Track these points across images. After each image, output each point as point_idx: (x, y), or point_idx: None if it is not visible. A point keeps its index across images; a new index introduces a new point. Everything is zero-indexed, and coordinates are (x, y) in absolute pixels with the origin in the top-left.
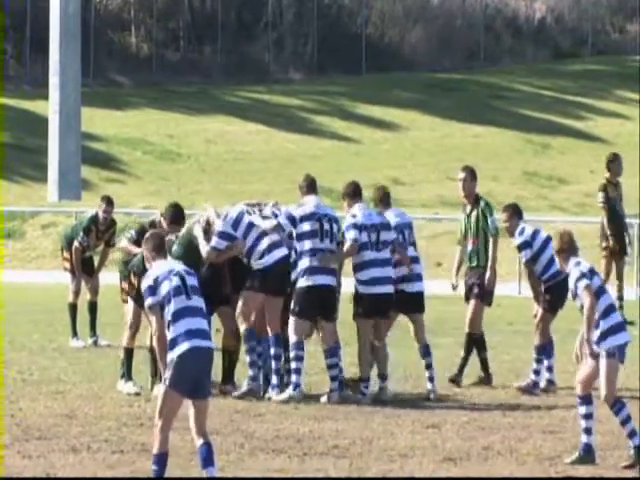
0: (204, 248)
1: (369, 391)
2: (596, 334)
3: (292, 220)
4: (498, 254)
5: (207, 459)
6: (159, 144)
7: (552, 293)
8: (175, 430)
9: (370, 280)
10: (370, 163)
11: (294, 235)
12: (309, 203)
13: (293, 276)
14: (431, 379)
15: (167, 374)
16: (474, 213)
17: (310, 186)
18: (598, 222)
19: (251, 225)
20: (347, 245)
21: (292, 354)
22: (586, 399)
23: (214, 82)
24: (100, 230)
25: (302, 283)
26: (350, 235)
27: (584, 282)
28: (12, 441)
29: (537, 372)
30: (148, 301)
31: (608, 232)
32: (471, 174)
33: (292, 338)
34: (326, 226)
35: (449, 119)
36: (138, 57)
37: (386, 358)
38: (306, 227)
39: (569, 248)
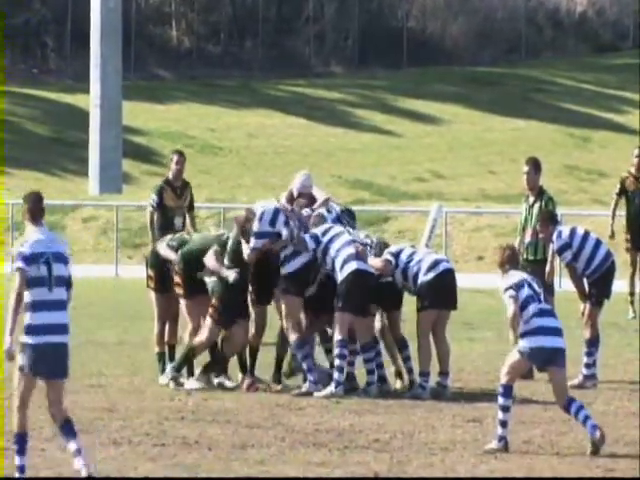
0: (245, 251)
1: (428, 385)
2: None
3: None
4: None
5: (69, 432)
6: (200, 138)
7: (597, 287)
8: (216, 423)
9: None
10: (411, 156)
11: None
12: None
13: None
14: (410, 370)
15: (23, 358)
16: (536, 205)
17: None
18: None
19: (287, 223)
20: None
21: (337, 352)
22: (507, 391)
23: (255, 76)
24: (176, 187)
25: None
26: None
27: (509, 292)
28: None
29: (588, 365)
30: (18, 264)
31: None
32: (535, 166)
33: (337, 336)
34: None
35: (490, 112)
36: (179, 51)
37: (447, 354)
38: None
39: (509, 261)
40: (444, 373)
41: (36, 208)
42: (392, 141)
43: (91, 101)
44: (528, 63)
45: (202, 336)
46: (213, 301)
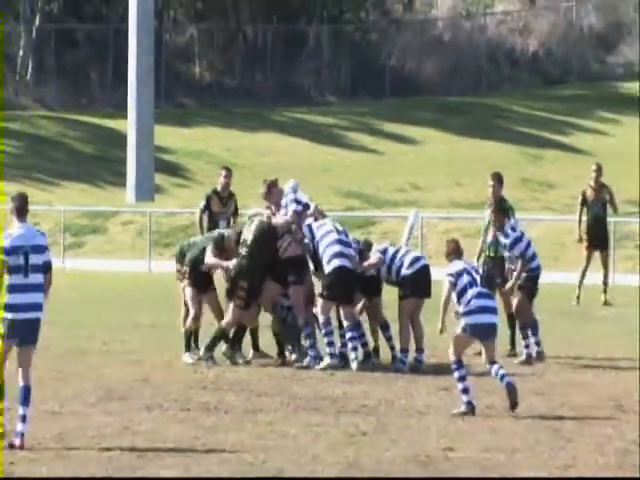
0: (282, 218)
1: (407, 360)
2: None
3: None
4: None
5: (25, 399)
6: (219, 156)
7: (534, 282)
8: (232, 391)
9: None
10: (393, 171)
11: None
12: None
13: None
14: (392, 348)
15: (3, 327)
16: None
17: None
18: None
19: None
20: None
21: (324, 331)
22: (459, 364)
23: (264, 104)
24: (222, 197)
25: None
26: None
27: (449, 278)
28: (97, 401)
29: (528, 346)
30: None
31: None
32: (498, 180)
33: (320, 319)
34: None
35: (459, 135)
36: (201, 83)
37: (422, 335)
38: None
39: (454, 252)
40: (420, 350)
41: (21, 207)
42: (377, 158)
43: (128, 125)
44: (490, 94)
45: (229, 318)
46: (238, 287)
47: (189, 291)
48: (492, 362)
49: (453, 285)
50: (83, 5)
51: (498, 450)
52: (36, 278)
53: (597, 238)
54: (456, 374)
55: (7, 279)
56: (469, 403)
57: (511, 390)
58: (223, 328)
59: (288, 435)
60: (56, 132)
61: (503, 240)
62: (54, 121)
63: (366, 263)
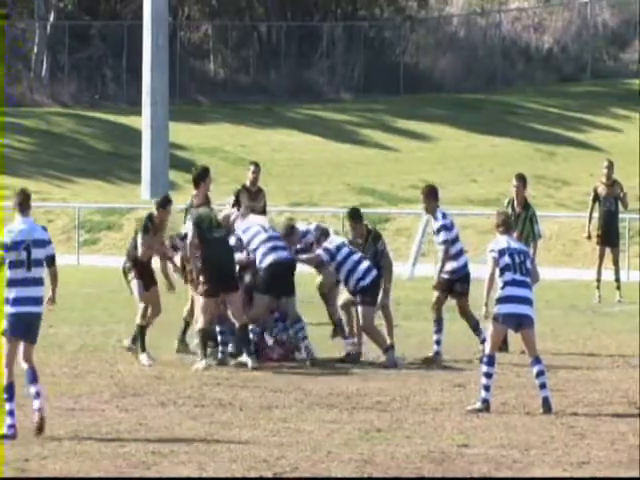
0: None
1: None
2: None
3: None
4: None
5: (33, 378)
6: (233, 152)
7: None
8: (246, 387)
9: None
10: (406, 168)
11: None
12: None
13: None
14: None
15: (6, 323)
16: (522, 215)
17: None
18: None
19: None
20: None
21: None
22: (490, 360)
23: (278, 101)
24: (251, 192)
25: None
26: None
27: (492, 254)
28: (111, 397)
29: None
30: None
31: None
32: (523, 181)
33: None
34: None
35: (472, 131)
36: (215, 80)
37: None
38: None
39: (503, 225)
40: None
41: (24, 202)
42: (391, 155)
43: (143, 122)
44: (503, 91)
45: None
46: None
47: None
48: (534, 360)
49: (496, 261)
50: (97, 2)
51: (512, 446)
52: (37, 272)
53: (608, 234)
54: (484, 368)
55: (9, 273)
56: (485, 400)
57: (546, 405)
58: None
59: (303, 431)
60: (71, 129)
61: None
62: (69, 118)
63: (304, 256)
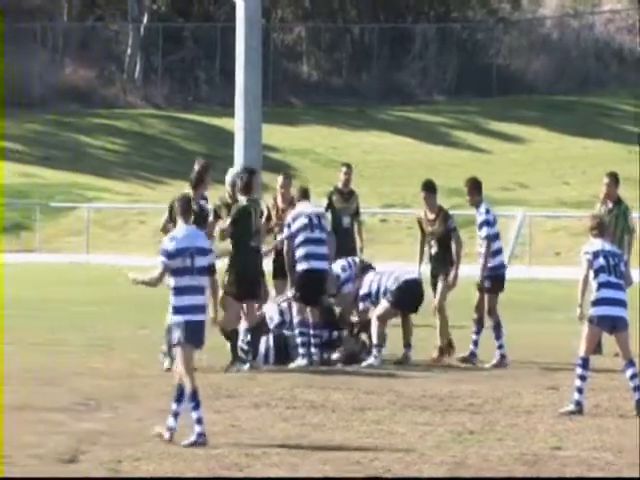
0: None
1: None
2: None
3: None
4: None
5: (180, 397)
6: (324, 154)
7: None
8: (338, 389)
9: None
10: (499, 170)
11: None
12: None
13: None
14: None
15: (178, 333)
16: (614, 212)
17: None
18: None
19: None
20: None
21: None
22: (585, 362)
23: (370, 103)
24: (344, 193)
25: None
26: None
27: (586, 256)
28: (205, 399)
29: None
30: (161, 258)
31: None
32: (615, 179)
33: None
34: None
35: (564, 133)
36: (308, 82)
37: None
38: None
39: (597, 228)
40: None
41: (185, 208)
42: (483, 157)
43: (236, 124)
44: (596, 93)
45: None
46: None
47: None
48: (628, 362)
49: (590, 263)
50: (191, 3)
51: (605, 449)
52: (201, 280)
53: None
54: (578, 371)
55: (173, 281)
56: (578, 403)
57: (639, 408)
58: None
59: (395, 433)
60: (163, 130)
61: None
62: (161, 119)
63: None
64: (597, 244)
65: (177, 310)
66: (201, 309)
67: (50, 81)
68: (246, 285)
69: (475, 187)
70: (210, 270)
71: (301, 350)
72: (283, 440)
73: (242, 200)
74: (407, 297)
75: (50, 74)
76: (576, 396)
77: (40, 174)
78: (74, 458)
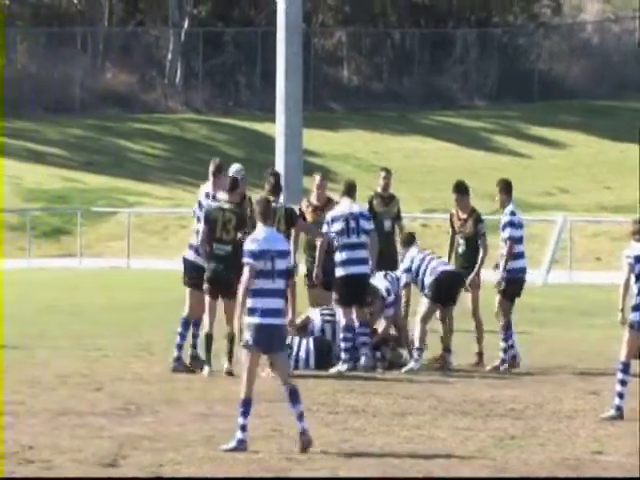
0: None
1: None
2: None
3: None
4: None
5: (295, 399)
6: (366, 159)
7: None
8: (379, 394)
9: None
10: (539, 175)
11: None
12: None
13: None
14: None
15: (248, 335)
16: None
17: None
18: None
19: None
20: None
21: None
22: (626, 367)
23: (411, 108)
24: (384, 197)
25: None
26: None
27: (627, 260)
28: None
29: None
30: (246, 259)
31: None
32: None
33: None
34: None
35: (604, 138)
36: (349, 87)
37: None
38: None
39: (639, 233)
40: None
41: (265, 211)
42: (524, 162)
43: (277, 129)
44: (636, 97)
45: None
46: None
47: None
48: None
49: (631, 267)
50: (231, 8)
51: None
52: (281, 283)
53: None
54: (619, 375)
55: (253, 283)
56: (619, 408)
57: None
58: None
59: (436, 438)
60: (204, 135)
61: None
62: (202, 124)
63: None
64: (638, 248)
65: (251, 311)
66: (276, 312)
67: (91, 86)
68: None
69: (504, 188)
70: (289, 273)
71: (344, 355)
72: (325, 445)
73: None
74: (444, 289)
75: (91, 79)
76: (617, 401)
77: (81, 179)
78: (115, 462)
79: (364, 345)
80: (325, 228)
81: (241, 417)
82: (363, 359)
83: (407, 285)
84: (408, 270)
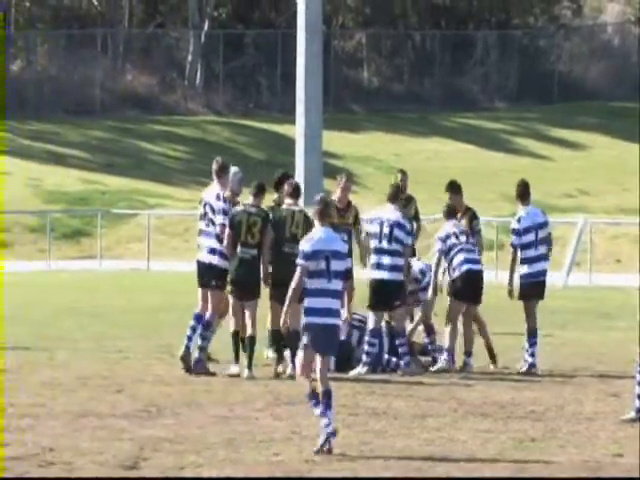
0: None
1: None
2: None
3: None
4: None
5: (327, 404)
6: (386, 161)
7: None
8: (400, 397)
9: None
10: (560, 177)
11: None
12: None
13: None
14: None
15: (304, 336)
16: None
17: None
18: None
19: None
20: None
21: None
22: None
23: (431, 110)
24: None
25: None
26: None
27: None
28: (265, 405)
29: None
30: (300, 261)
31: None
32: None
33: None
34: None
35: (624, 139)
36: (369, 89)
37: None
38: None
39: None
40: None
41: (324, 210)
42: (545, 164)
43: (297, 130)
44: None
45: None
46: None
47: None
48: None
49: None
50: (252, 10)
51: None
52: (337, 284)
53: None
54: (638, 377)
55: (308, 283)
56: (639, 410)
57: None
58: None
59: (457, 441)
60: (225, 137)
61: None
62: (223, 126)
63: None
64: None
65: (307, 312)
66: (331, 313)
67: (111, 88)
68: (278, 288)
69: (520, 192)
70: (347, 274)
71: (365, 358)
72: (345, 447)
73: (284, 205)
74: (467, 287)
75: (111, 81)
76: (637, 403)
77: (101, 181)
78: (135, 464)
79: (405, 355)
80: (365, 226)
81: (315, 409)
82: (404, 366)
83: (441, 251)
84: (444, 240)
